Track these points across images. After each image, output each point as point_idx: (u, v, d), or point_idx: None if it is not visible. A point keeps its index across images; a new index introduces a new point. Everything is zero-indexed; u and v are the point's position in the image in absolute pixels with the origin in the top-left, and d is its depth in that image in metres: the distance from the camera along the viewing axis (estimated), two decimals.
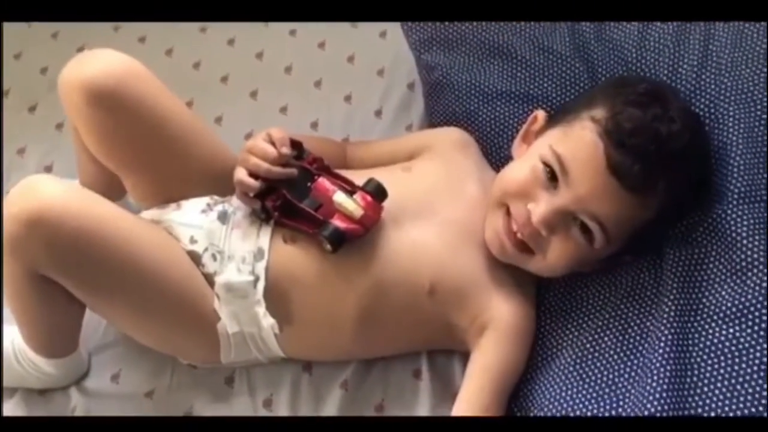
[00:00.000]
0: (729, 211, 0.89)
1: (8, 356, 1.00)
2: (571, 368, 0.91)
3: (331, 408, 0.98)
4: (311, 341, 0.98)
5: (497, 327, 0.93)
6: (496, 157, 1.07)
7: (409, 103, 1.23)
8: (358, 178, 0.96)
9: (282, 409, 0.99)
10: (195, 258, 0.94)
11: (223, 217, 0.97)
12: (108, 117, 0.93)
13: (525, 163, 0.93)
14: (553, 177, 0.89)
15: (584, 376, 0.89)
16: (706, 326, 0.85)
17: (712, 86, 0.97)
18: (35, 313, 0.95)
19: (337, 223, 0.91)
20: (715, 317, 0.85)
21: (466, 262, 0.95)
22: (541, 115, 0.99)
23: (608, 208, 0.87)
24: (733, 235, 0.88)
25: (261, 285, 0.93)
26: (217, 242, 0.95)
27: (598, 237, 0.88)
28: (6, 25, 1.22)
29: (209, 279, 0.94)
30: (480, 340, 0.94)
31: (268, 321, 0.93)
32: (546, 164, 0.90)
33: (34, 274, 0.88)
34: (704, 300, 0.87)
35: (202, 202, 0.98)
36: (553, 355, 0.93)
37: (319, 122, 1.24)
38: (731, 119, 0.93)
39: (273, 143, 0.94)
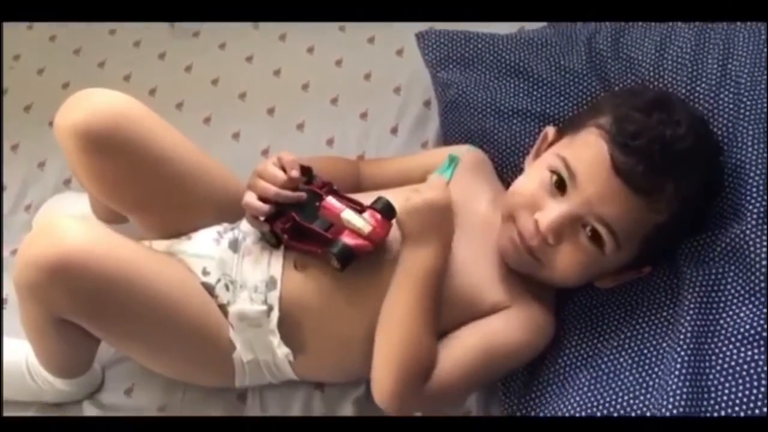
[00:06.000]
0: (748, 231, 0.88)
1: (22, 372, 1.00)
2: (586, 388, 0.89)
3: None
4: (324, 365, 0.98)
5: (513, 309, 0.93)
6: (512, 175, 1.07)
7: (425, 120, 1.23)
8: (368, 198, 0.96)
9: None
10: (209, 289, 0.95)
11: (234, 245, 0.97)
12: (104, 162, 0.93)
13: (533, 174, 0.94)
14: (560, 184, 0.89)
15: (599, 396, 0.88)
16: (724, 348, 0.84)
17: (731, 105, 0.96)
18: (52, 346, 0.96)
19: (346, 239, 0.91)
20: (733, 339, 0.84)
21: (480, 276, 0.95)
22: (551, 131, 0.99)
23: (616, 210, 0.86)
24: (752, 256, 0.86)
25: (275, 315, 0.93)
26: (229, 272, 0.95)
27: (607, 242, 0.88)
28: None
29: (223, 309, 0.94)
30: (492, 315, 0.93)
31: (282, 351, 0.93)
32: (553, 171, 0.90)
33: (54, 317, 0.89)
34: (722, 321, 0.86)
35: (212, 231, 0.99)
36: (567, 373, 0.92)
37: (335, 139, 1.24)
38: (750, 138, 0.93)
39: (283, 167, 0.94)
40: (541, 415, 0.91)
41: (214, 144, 1.19)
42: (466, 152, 1.06)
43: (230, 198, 0.99)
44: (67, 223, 0.87)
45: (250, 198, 0.94)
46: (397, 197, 0.95)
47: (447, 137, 1.15)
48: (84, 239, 0.85)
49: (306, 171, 0.97)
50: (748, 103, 0.94)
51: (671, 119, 0.88)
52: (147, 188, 0.96)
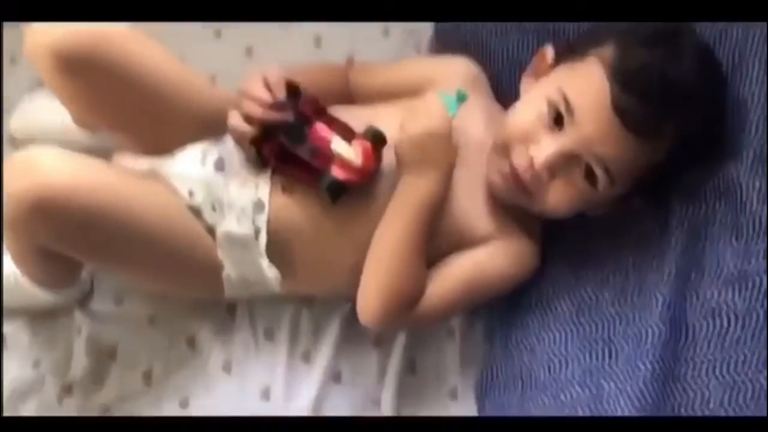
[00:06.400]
0: (741, 171, 0.87)
1: (8, 281, 1.00)
2: (568, 317, 0.92)
3: (329, 339, 1.01)
4: (312, 286, 0.99)
5: (500, 241, 0.93)
6: (506, 90, 1.03)
7: (417, 24, 1.17)
8: (359, 118, 0.93)
9: (282, 340, 1.01)
10: (195, 211, 0.93)
11: (220, 165, 0.95)
12: (81, 82, 0.89)
13: (529, 105, 0.91)
14: (557, 119, 0.87)
15: (579, 326, 0.91)
16: (705, 288, 0.85)
17: (739, 31, 0.92)
18: (36, 267, 0.96)
19: (336, 173, 0.89)
20: (715, 279, 0.85)
21: (469, 206, 0.94)
22: (549, 51, 0.95)
23: (613, 150, 0.85)
24: (742, 198, 0.86)
25: (263, 238, 0.93)
26: (215, 192, 0.93)
27: (601, 180, 0.87)
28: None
29: (210, 230, 0.94)
30: (479, 246, 0.94)
31: (272, 272, 0.94)
32: (551, 104, 0.87)
33: (39, 248, 0.88)
34: (705, 260, 0.87)
35: (197, 150, 0.96)
36: (551, 300, 0.94)
37: (322, 38, 1.18)
38: (755, 72, 0.89)
39: (268, 86, 0.90)
40: (523, 340, 0.94)
41: None
42: (461, 67, 1.03)
43: (215, 113, 0.95)
44: (48, 157, 0.84)
45: (235, 120, 0.91)
46: (391, 117, 0.93)
47: (440, 45, 1.11)
48: (65, 174, 0.83)
49: (293, 88, 0.93)
50: (757, 36, 0.90)
51: (676, 55, 0.84)
52: (126, 108, 0.92)
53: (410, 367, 0.99)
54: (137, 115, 0.93)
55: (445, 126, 0.90)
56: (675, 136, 0.85)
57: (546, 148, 0.87)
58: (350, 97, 1.04)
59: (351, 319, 1.01)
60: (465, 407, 0.96)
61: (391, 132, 0.92)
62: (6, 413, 0.99)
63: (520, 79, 0.99)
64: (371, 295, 0.90)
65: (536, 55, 0.97)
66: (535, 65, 0.96)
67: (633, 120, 0.83)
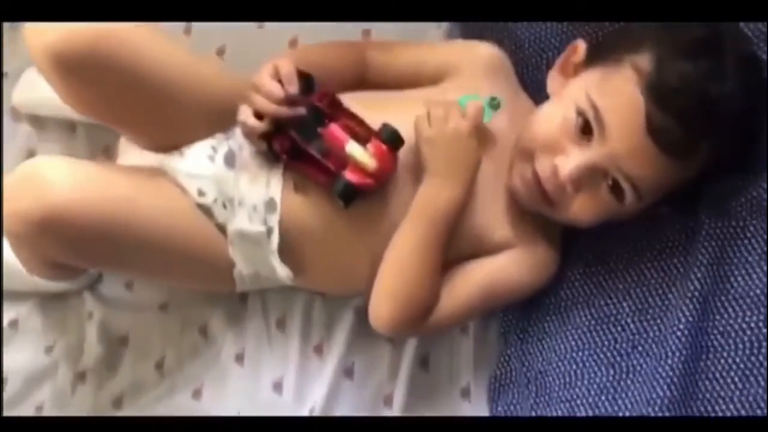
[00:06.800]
0: None
1: (18, 268, 0.98)
2: (585, 328, 0.90)
3: (342, 332, 1.00)
4: (324, 285, 0.98)
5: (519, 249, 0.91)
6: (532, 78, 0.98)
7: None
8: (375, 111, 0.89)
9: (294, 331, 1.01)
10: (205, 210, 0.90)
11: (230, 160, 0.91)
12: (81, 83, 0.84)
13: (557, 110, 0.86)
14: (586, 128, 0.83)
15: (598, 340, 0.89)
16: (730, 310, 0.83)
17: None
18: (44, 271, 0.95)
19: (349, 177, 0.85)
20: (741, 302, 0.83)
21: (489, 210, 0.91)
22: (581, 47, 0.90)
23: (643, 169, 0.81)
24: None
25: (275, 238, 0.90)
26: (226, 190, 0.90)
27: (629, 196, 0.84)
28: None
29: (221, 227, 0.91)
30: (496, 253, 0.91)
31: (284, 271, 0.92)
32: (580, 113, 0.83)
33: (46, 260, 0.86)
34: (732, 280, 0.84)
35: (206, 146, 0.92)
36: (568, 307, 0.93)
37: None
38: None
39: (279, 80, 0.86)
40: (538, 346, 0.93)
41: None
42: (486, 53, 0.97)
43: (225, 105, 0.91)
44: (51, 170, 0.81)
45: (245, 116, 0.87)
46: (410, 110, 0.88)
47: (463, 26, 1.04)
48: (70, 189, 0.80)
49: (305, 79, 0.88)
50: None
51: (719, 70, 0.79)
52: (130, 107, 0.88)
53: (423, 364, 0.99)
54: (142, 113, 0.89)
55: (473, 132, 0.87)
56: (710, 154, 0.81)
57: (572, 160, 0.83)
58: (367, 81, 0.99)
59: (364, 311, 1.00)
60: (477, 407, 0.96)
61: (409, 127, 0.88)
62: (20, 399, 1.00)
63: (547, 68, 0.93)
64: (384, 303, 0.88)
65: (566, 49, 0.91)
66: (565, 60, 0.91)
67: (668, 141, 0.79)
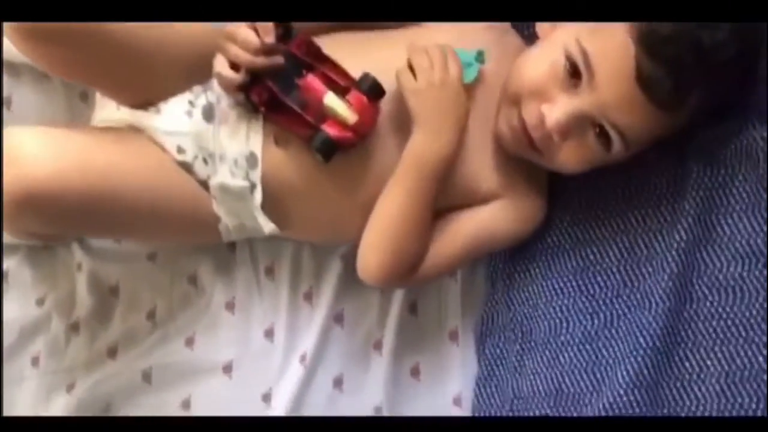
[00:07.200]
0: (766, 136, 0.81)
1: None
2: (571, 275, 0.91)
3: (331, 279, 1.00)
4: (311, 237, 0.98)
5: (506, 200, 0.91)
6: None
7: None
8: (357, 54, 0.86)
9: (284, 279, 1.01)
10: (186, 167, 0.89)
11: (208, 114, 0.89)
12: (49, 47, 0.81)
13: (546, 54, 0.83)
14: (575, 73, 0.81)
15: (583, 287, 0.90)
16: (715, 259, 0.83)
17: None
18: (31, 237, 0.94)
19: (329, 131, 0.83)
20: (726, 252, 0.83)
21: (477, 158, 0.89)
22: None
23: (632, 119, 0.80)
24: (765, 165, 0.81)
25: (258, 194, 0.89)
26: (206, 145, 0.88)
27: (616, 144, 0.82)
28: None
29: (203, 183, 0.90)
30: (484, 203, 0.91)
31: (269, 226, 0.91)
32: (569, 58, 0.80)
33: (32, 232, 0.85)
34: (718, 230, 0.84)
35: (183, 101, 0.89)
36: (555, 253, 0.93)
37: None
38: None
39: (256, 29, 0.82)
40: (524, 291, 0.93)
41: None
42: None
43: (201, 56, 0.87)
44: (30, 146, 0.79)
45: (221, 67, 0.84)
46: (394, 53, 0.86)
47: None
48: (51, 165, 0.79)
49: (283, 28, 0.85)
50: None
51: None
52: (103, 68, 0.85)
53: (412, 309, 1.00)
54: (117, 73, 0.86)
55: (460, 79, 0.84)
56: (701, 106, 0.79)
57: (559, 108, 0.81)
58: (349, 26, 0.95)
59: (352, 259, 1.00)
60: (465, 351, 0.97)
61: (391, 73, 0.85)
62: (16, 351, 1.01)
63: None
64: (373, 256, 0.88)
65: None
66: None
67: (658, 92, 0.77)
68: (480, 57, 0.87)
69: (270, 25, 0.83)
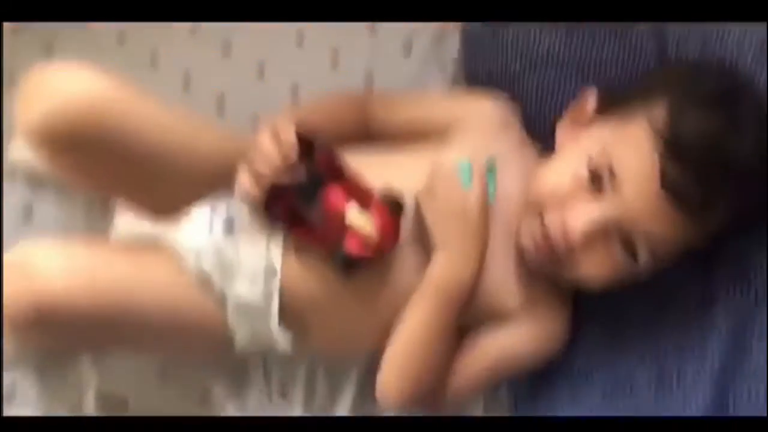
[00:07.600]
0: None
1: None
2: (599, 400, 0.88)
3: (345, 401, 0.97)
4: (327, 351, 0.96)
5: (529, 319, 0.88)
6: (538, 125, 0.95)
7: (443, 39, 1.06)
8: (378, 170, 0.86)
9: (297, 401, 0.98)
10: (203, 279, 0.87)
11: (229, 226, 0.88)
12: (68, 159, 0.81)
13: (568, 164, 0.83)
14: (598, 183, 0.80)
15: (613, 412, 0.86)
16: (744, 386, 0.80)
17: None
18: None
19: (349, 248, 0.82)
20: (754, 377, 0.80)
21: (500, 278, 0.88)
22: (592, 97, 0.87)
23: (658, 227, 0.78)
24: None
25: (275, 305, 0.87)
26: (225, 257, 0.87)
27: (642, 255, 0.80)
28: None
29: (220, 299, 0.88)
30: (506, 321, 0.88)
31: (284, 338, 0.89)
32: (592, 169, 0.80)
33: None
34: (749, 356, 0.81)
35: (204, 215, 0.89)
36: (581, 378, 0.90)
37: (339, 51, 1.08)
38: None
39: (279, 143, 0.83)
40: (551, 413, 0.89)
41: None
42: (489, 109, 0.94)
43: (223, 166, 0.87)
44: (43, 260, 0.79)
45: (243, 181, 0.84)
46: (414, 170, 0.86)
47: (467, 73, 1.01)
48: (61, 281, 0.78)
49: (306, 142, 0.85)
50: None
51: (736, 123, 0.76)
52: (126, 182, 0.85)
53: None
54: (138, 183, 0.86)
55: (483, 202, 0.84)
56: (728, 213, 0.79)
57: (582, 215, 0.80)
58: (369, 134, 0.97)
59: (366, 381, 0.97)
60: None
61: (412, 187, 0.85)
62: None
63: (553, 113, 0.91)
64: (394, 381, 0.86)
65: (577, 100, 0.88)
66: (575, 112, 0.88)
67: (685, 200, 0.76)
68: (492, 168, 0.86)
69: (293, 143, 0.84)
